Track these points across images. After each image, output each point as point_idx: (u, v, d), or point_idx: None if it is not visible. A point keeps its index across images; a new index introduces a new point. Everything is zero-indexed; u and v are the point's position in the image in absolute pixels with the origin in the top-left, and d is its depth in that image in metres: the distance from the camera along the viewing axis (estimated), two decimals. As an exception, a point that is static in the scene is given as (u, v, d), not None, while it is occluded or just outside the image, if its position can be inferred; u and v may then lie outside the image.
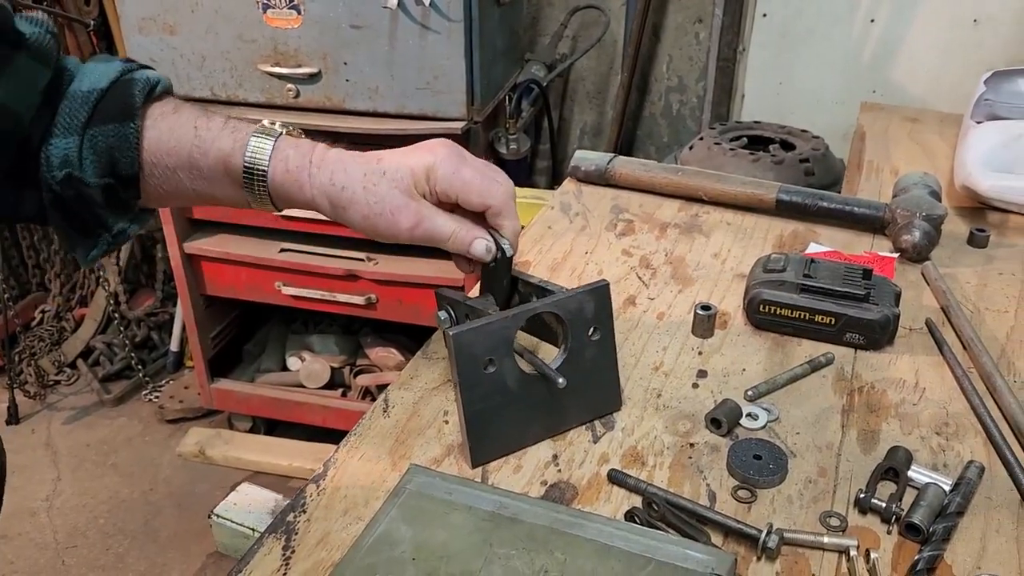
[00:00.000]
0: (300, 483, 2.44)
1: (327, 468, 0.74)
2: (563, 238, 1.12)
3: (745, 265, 1.04)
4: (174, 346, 2.68)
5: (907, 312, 0.94)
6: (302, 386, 2.37)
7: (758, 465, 0.73)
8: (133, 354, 2.60)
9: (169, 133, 0.71)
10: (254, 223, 2.09)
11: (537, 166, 2.36)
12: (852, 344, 0.90)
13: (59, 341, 2.78)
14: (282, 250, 2.11)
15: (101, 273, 2.53)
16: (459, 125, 1.81)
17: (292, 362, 2.44)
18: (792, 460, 0.75)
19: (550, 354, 0.79)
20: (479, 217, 0.77)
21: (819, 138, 1.91)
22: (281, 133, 0.73)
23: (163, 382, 2.66)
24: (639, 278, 1.03)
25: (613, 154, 1.26)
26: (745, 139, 1.89)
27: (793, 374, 0.85)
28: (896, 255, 1.05)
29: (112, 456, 2.42)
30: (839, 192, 1.58)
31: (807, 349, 0.90)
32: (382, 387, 1.74)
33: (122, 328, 2.59)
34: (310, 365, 2.38)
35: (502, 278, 0.80)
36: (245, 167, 0.71)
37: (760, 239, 1.12)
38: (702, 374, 0.86)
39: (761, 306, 0.92)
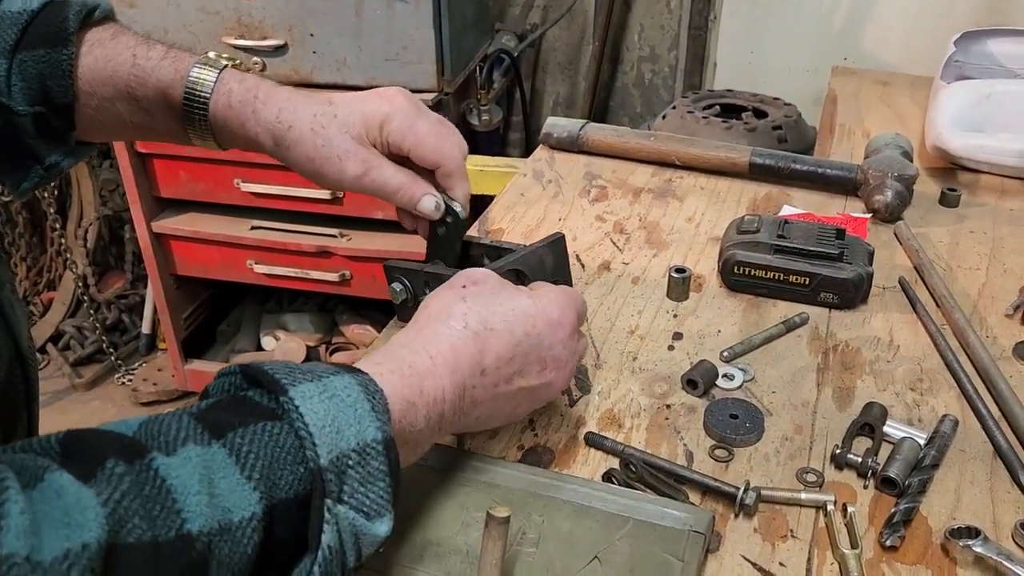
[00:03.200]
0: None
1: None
2: (536, 205, 1.11)
3: (719, 229, 1.04)
4: (146, 328, 2.64)
5: (880, 271, 0.94)
6: (277, 365, 2.35)
7: (735, 424, 0.73)
8: (104, 337, 2.56)
9: (105, 61, 0.68)
10: (223, 200, 2.06)
11: (510, 138, 2.35)
12: (826, 304, 0.90)
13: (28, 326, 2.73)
14: (253, 227, 2.08)
15: (68, 256, 2.49)
16: (430, 97, 1.79)
17: (267, 341, 2.42)
18: (768, 419, 0.74)
19: None
20: (428, 174, 0.75)
21: (791, 105, 1.90)
22: (226, 65, 0.70)
23: (136, 365, 2.62)
24: (613, 243, 1.03)
25: (585, 120, 1.25)
26: (718, 108, 1.89)
27: (768, 334, 0.85)
28: (869, 215, 1.05)
29: (85, 440, 2.38)
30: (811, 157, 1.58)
31: (782, 310, 0.90)
32: (358, 363, 1.72)
33: (92, 311, 2.55)
34: (285, 344, 2.35)
35: (454, 243, 0.79)
36: (185, 99, 0.68)
37: (734, 203, 1.12)
38: (677, 336, 0.86)
39: (735, 267, 0.91)
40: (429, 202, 0.74)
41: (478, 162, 1.71)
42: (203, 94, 0.68)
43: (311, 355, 2.36)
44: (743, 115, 1.86)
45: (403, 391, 0.55)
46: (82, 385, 2.56)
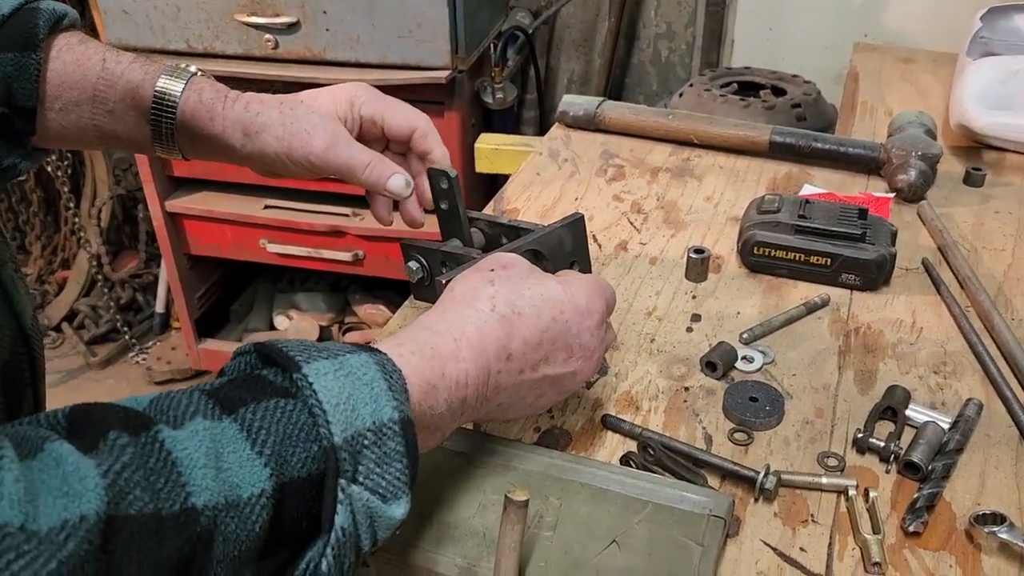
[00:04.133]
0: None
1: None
2: (552, 185, 1.10)
3: (738, 208, 1.02)
4: (159, 307, 2.65)
5: (903, 252, 0.92)
6: (291, 345, 2.35)
7: (754, 407, 0.71)
8: (118, 316, 2.57)
9: (75, 65, 0.69)
10: (236, 180, 2.05)
11: (524, 116, 2.32)
12: (848, 285, 0.88)
13: (42, 305, 2.74)
14: (266, 207, 2.08)
15: (82, 235, 2.49)
16: (443, 74, 1.77)
17: (280, 321, 2.42)
18: (789, 402, 0.73)
19: None
20: (399, 158, 0.79)
21: (810, 83, 1.87)
22: (196, 72, 0.71)
23: (150, 344, 2.63)
24: (631, 223, 1.01)
25: (602, 98, 1.23)
26: (735, 85, 1.86)
27: (789, 316, 0.84)
28: (892, 195, 1.03)
29: (101, 418, 2.40)
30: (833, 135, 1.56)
31: (802, 291, 0.89)
32: (371, 343, 1.71)
33: (106, 290, 2.56)
34: (298, 323, 2.36)
35: (458, 211, 0.78)
36: (156, 95, 0.69)
37: (753, 182, 1.10)
38: (696, 318, 0.85)
39: (755, 248, 0.90)
40: (398, 180, 0.75)
41: (493, 141, 1.69)
42: (174, 91, 0.70)
43: (324, 335, 2.36)
44: (761, 93, 1.83)
45: (423, 372, 0.54)
46: (96, 364, 2.58)
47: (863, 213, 0.90)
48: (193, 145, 0.74)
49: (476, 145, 1.69)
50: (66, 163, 2.47)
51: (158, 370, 2.52)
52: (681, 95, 1.87)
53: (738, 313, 0.85)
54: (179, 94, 0.70)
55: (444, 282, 0.67)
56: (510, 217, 0.80)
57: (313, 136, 0.72)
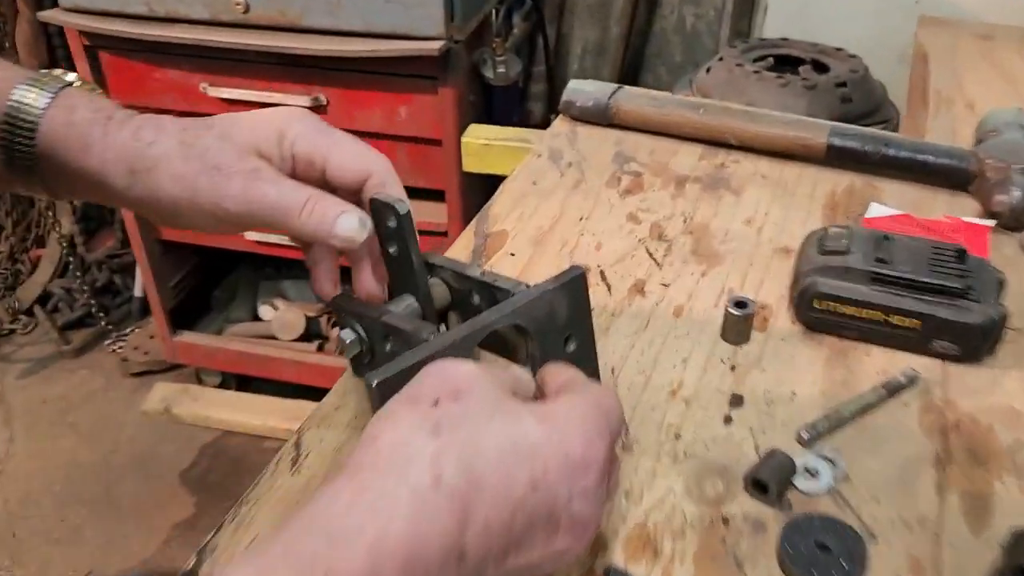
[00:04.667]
0: (275, 443, 2.27)
1: (202, 559, 0.52)
2: (552, 198, 0.87)
3: (788, 236, 0.80)
4: (137, 291, 2.45)
5: (1009, 302, 0.70)
6: (275, 338, 2.16)
7: (824, 561, 0.50)
8: (93, 300, 2.38)
9: None
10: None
11: (531, 91, 2.09)
12: (940, 354, 0.66)
13: (14, 286, 2.56)
14: (241, 190, 1.87)
15: (51, 213, 2.29)
16: (437, 45, 1.53)
17: (264, 310, 2.23)
18: (872, 546, 0.52)
19: None
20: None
21: (856, 58, 1.64)
22: (72, 83, 0.52)
23: (128, 330, 2.45)
24: (650, 255, 0.79)
25: (616, 85, 1.00)
26: (771, 59, 1.64)
27: (864, 402, 0.62)
28: (991, 223, 0.81)
29: (71, 414, 2.22)
30: (893, 128, 1.33)
31: (878, 360, 0.67)
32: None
33: (80, 272, 2.37)
34: (283, 314, 2.17)
35: (410, 261, 0.57)
36: (7, 110, 0.50)
37: (806, 197, 0.87)
38: (737, 401, 0.63)
39: (816, 300, 0.68)
40: (349, 221, 0.53)
41: (482, 134, 1.45)
42: (31, 108, 0.51)
43: (311, 325, 2.17)
44: (800, 69, 1.61)
45: None
46: (69, 352, 2.40)
47: (961, 255, 0.67)
48: (61, 181, 0.55)
49: (463, 139, 1.45)
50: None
51: (134, 361, 2.34)
52: (709, 70, 1.64)
53: (793, 394, 0.63)
54: (41, 111, 0.51)
55: (374, 384, 0.46)
56: (484, 269, 0.58)
57: (228, 174, 0.52)
